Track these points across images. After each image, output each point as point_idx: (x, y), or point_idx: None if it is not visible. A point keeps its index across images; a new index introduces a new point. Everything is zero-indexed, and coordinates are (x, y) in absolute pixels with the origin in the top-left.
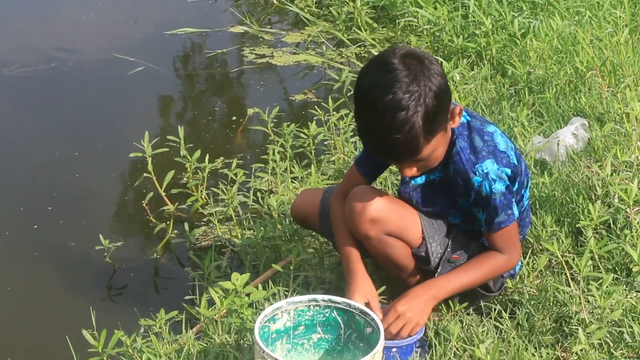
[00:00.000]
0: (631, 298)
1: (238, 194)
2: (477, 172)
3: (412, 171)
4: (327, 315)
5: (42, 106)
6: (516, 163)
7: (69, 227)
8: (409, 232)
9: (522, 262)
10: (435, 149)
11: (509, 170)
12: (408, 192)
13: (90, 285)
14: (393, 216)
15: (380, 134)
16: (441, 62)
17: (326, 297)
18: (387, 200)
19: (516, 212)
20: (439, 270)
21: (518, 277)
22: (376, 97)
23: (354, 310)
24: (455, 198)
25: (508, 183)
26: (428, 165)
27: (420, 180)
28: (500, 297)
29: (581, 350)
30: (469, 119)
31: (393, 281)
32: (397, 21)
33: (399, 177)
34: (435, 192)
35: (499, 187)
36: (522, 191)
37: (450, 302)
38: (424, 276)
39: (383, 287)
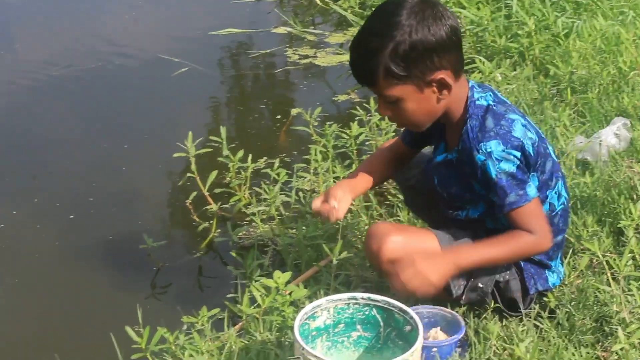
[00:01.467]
0: None
1: (280, 194)
2: (480, 150)
3: (384, 110)
4: (366, 313)
5: (88, 106)
6: (532, 154)
7: (113, 226)
8: None
9: (561, 276)
10: (406, 99)
11: (518, 153)
12: (430, 170)
13: (134, 284)
14: (411, 253)
15: (353, 48)
16: (483, 62)
17: (365, 295)
18: (404, 236)
19: (531, 193)
20: (464, 297)
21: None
22: (371, 17)
23: (393, 309)
24: (469, 182)
25: (518, 163)
26: (405, 118)
27: (439, 158)
28: (540, 296)
29: (621, 349)
30: (490, 103)
31: None
32: None
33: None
34: (452, 173)
35: (505, 166)
36: (547, 192)
37: (487, 300)
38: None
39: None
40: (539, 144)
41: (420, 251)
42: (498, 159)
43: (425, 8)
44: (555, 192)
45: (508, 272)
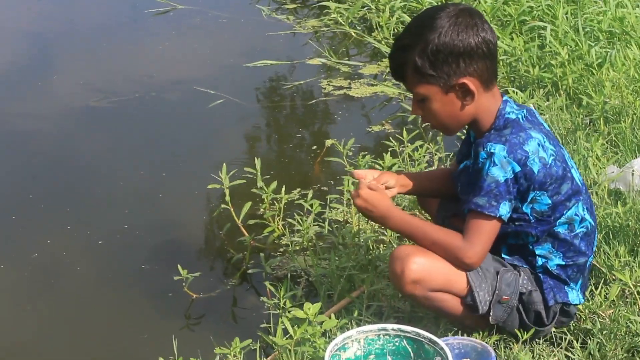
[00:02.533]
0: None
1: (314, 225)
2: (485, 148)
3: (416, 109)
4: (397, 344)
5: (124, 137)
6: (535, 172)
7: (147, 257)
8: (454, 284)
9: (582, 297)
10: (432, 99)
11: (517, 168)
12: (456, 176)
13: (168, 314)
14: (434, 273)
15: (393, 44)
16: (517, 93)
17: (396, 326)
18: (427, 257)
19: (501, 211)
20: (491, 313)
21: (586, 308)
22: (414, 18)
23: (423, 340)
24: None
25: (510, 177)
26: (433, 119)
27: (462, 166)
28: (572, 326)
29: None
30: (520, 117)
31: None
32: None
33: None
34: (469, 180)
35: (495, 172)
36: (564, 211)
37: (517, 331)
38: (478, 317)
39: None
40: (552, 167)
41: (443, 270)
42: (495, 163)
43: (463, 15)
44: (577, 215)
45: (530, 283)
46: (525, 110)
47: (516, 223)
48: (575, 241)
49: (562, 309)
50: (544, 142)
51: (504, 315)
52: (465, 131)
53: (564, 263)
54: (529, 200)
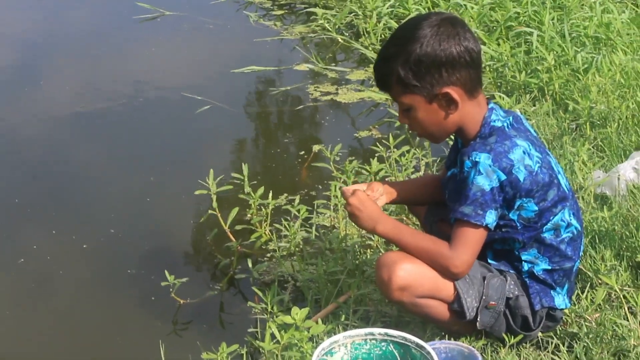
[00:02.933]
0: None
1: (301, 230)
2: (470, 157)
3: (402, 118)
4: (383, 348)
5: (111, 143)
6: (520, 180)
7: (134, 262)
8: (441, 291)
9: (568, 302)
10: (417, 109)
11: (503, 176)
12: (444, 183)
13: (156, 320)
14: (422, 280)
15: (378, 55)
16: (503, 98)
17: (383, 330)
18: (413, 264)
19: (487, 220)
20: (478, 319)
21: (573, 312)
22: (398, 27)
23: (410, 344)
24: None
25: (495, 185)
26: (419, 128)
27: (449, 173)
28: (558, 330)
29: None
30: (505, 125)
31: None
32: None
33: None
34: (455, 187)
35: (481, 181)
36: (550, 217)
37: (505, 335)
38: (465, 323)
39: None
40: (539, 174)
41: (430, 276)
42: (480, 172)
43: (445, 25)
44: (563, 220)
45: (516, 288)
46: (511, 117)
47: (503, 229)
48: (561, 246)
49: (548, 313)
50: (530, 149)
51: (491, 320)
52: (453, 138)
53: (550, 268)
54: (515, 207)
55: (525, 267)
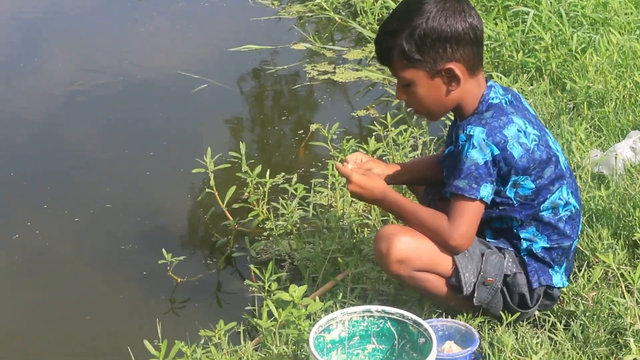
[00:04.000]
0: None
1: (298, 209)
2: (464, 131)
3: (400, 94)
4: (381, 325)
5: (108, 122)
6: (515, 157)
7: (132, 240)
8: (439, 265)
9: (566, 281)
10: (417, 84)
11: (496, 151)
12: (441, 161)
13: (153, 298)
14: (420, 253)
15: (379, 28)
16: (500, 77)
17: (380, 307)
18: (412, 237)
19: (482, 193)
20: (475, 295)
21: (570, 290)
22: (400, 2)
23: (407, 321)
24: None
25: (489, 159)
26: (418, 104)
27: (447, 151)
28: (555, 308)
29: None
30: (503, 102)
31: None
32: None
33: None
34: (453, 163)
35: (475, 154)
36: (547, 195)
37: (502, 313)
38: (462, 299)
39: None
40: (535, 152)
41: (428, 250)
42: (474, 145)
43: (450, 1)
44: (561, 199)
45: (514, 266)
46: (510, 95)
47: (500, 207)
48: (559, 224)
49: (545, 291)
50: (526, 127)
51: (488, 297)
52: (451, 116)
53: (548, 246)
54: (510, 183)
55: (524, 245)
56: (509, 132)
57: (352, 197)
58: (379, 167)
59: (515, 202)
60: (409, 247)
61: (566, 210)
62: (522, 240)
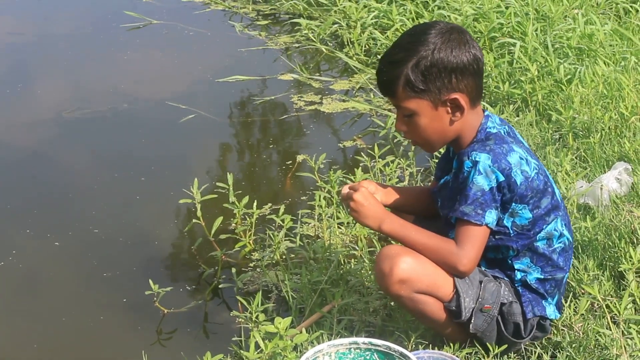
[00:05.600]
0: None
1: (285, 240)
2: (469, 157)
3: (401, 125)
4: (367, 357)
5: (95, 152)
6: (518, 184)
7: (118, 271)
8: (440, 288)
9: (558, 313)
10: (421, 114)
11: (501, 177)
12: (435, 193)
13: (140, 329)
14: (422, 275)
15: (381, 59)
16: (487, 108)
17: (367, 339)
18: (415, 258)
19: (488, 219)
20: (472, 321)
21: (560, 320)
22: (403, 34)
23: (394, 353)
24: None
25: (493, 185)
26: (418, 135)
27: (442, 181)
28: (542, 340)
29: None
30: (501, 131)
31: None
32: None
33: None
34: (449, 195)
35: (480, 180)
36: (543, 226)
37: (489, 345)
38: (457, 326)
39: None
40: (535, 180)
41: (430, 272)
42: (480, 171)
43: (454, 32)
44: (555, 230)
45: (510, 295)
46: (507, 127)
47: (497, 236)
48: (553, 256)
49: (538, 323)
50: (526, 156)
51: (484, 325)
52: (444, 147)
53: (542, 277)
54: (508, 212)
55: (518, 275)
56: (512, 159)
57: (353, 216)
58: (372, 186)
59: (512, 232)
60: (412, 268)
61: (560, 242)
62: (516, 271)
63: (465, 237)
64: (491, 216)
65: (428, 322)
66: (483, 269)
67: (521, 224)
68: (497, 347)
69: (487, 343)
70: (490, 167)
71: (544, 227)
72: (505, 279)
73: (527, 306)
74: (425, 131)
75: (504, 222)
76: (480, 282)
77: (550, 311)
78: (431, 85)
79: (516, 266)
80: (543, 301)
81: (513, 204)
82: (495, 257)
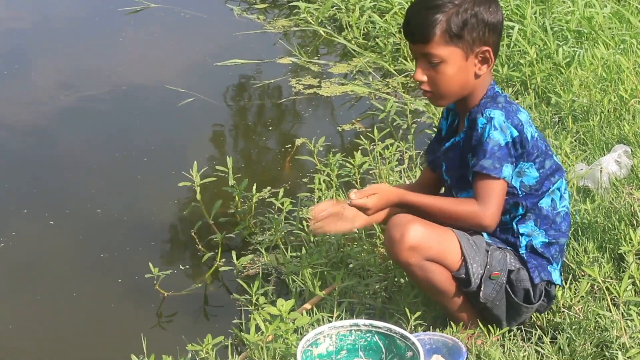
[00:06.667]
0: None
1: (285, 223)
2: (483, 114)
3: (421, 75)
4: (368, 339)
5: (94, 135)
6: (529, 140)
7: (118, 255)
8: (448, 256)
9: (560, 281)
10: (450, 63)
11: (515, 132)
12: (439, 157)
13: (139, 313)
14: (432, 242)
15: (416, 3)
16: None
17: (367, 321)
18: (425, 226)
19: (505, 172)
20: (482, 289)
21: (560, 302)
22: None
23: (394, 335)
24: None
25: (509, 140)
26: (438, 85)
27: (447, 144)
28: (542, 320)
29: None
30: (504, 98)
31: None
32: None
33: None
34: (458, 155)
35: (497, 135)
36: (549, 185)
37: (490, 326)
38: (465, 298)
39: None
40: (538, 140)
41: (439, 239)
42: (495, 127)
43: None
44: (559, 191)
45: (517, 262)
46: (507, 95)
47: (506, 197)
48: (557, 219)
49: (545, 289)
50: (529, 119)
51: (493, 293)
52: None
53: (547, 240)
54: (516, 171)
55: (524, 241)
56: (522, 117)
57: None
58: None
59: (520, 193)
60: (422, 234)
61: (563, 206)
62: (521, 236)
63: (484, 191)
64: (508, 170)
65: (437, 294)
66: (487, 240)
67: (529, 184)
68: (497, 329)
69: (489, 324)
70: (504, 122)
71: (550, 187)
72: (509, 248)
73: (533, 272)
74: (449, 81)
75: (513, 182)
76: (487, 251)
77: (556, 276)
78: (468, 35)
79: (521, 230)
80: (549, 266)
81: (521, 162)
82: (502, 220)
